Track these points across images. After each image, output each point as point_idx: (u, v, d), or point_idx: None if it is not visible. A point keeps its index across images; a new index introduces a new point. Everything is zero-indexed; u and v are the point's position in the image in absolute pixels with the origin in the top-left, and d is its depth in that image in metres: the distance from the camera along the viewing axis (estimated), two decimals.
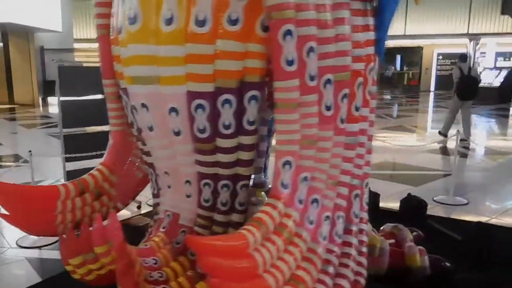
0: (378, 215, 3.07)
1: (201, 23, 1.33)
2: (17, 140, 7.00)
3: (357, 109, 1.55)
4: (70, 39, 14.93)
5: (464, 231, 2.66)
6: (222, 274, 1.10)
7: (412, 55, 23.76)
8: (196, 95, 1.39)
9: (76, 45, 16.01)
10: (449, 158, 5.71)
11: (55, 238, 2.47)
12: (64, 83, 2.91)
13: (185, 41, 1.34)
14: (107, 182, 1.86)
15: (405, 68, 25.09)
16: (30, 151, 2.72)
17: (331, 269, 1.43)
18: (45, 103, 13.71)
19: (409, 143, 6.60)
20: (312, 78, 1.37)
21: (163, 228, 1.62)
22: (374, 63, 1.61)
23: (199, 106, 1.40)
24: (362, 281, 1.54)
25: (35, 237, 2.57)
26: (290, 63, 1.31)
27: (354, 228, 1.58)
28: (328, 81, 1.42)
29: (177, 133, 1.47)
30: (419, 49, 22.62)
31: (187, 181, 1.57)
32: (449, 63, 22.74)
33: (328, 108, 1.44)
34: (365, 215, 1.67)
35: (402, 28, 18.63)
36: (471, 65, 7.67)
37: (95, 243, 1.36)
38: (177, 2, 1.33)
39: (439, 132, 6.76)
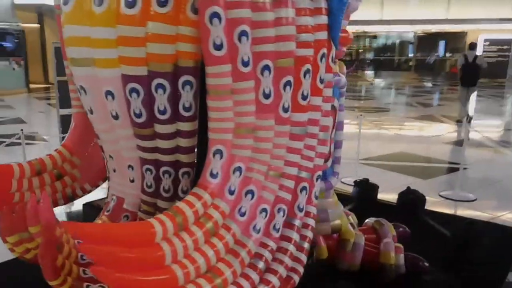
0: (374, 208, 2.98)
1: (130, 4, 1.29)
2: (40, 120, 7.24)
3: (304, 97, 1.47)
4: None
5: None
6: (121, 264, 1.07)
7: (455, 41, 22.69)
8: (130, 79, 1.36)
9: None
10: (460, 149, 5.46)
11: None
12: (61, 63, 2.97)
13: (116, 23, 1.31)
14: (68, 163, 1.87)
15: (447, 55, 24.04)
16: (22, 130, 2.80)
17: (261, 264, 1.38)
18: None
19: (428, 134, 6.34)
20: (245, 64, 1.30)
21: (107, 211, 1.62)
22: (327, 49, 1.51)
23: (133, 89, 1.37)
24: (296, 278, 1.48)
25: None
26: (218, 47, 1.25)
27: (297, 223, 1.52)
28: (266, 67, 1.35)
29: (115, 117, 1.45)
30: (463, 35, 21.55)
31: (130, 166, 1.55)
32: (496, 50, 21.53)
33: (266, 96, 1.37)
34: (313, 209, 1.59)
35: (445, 12, 17.78)
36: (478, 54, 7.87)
37: (28, 223, 1.37)
38: None
39: (457, 121, 6.59)
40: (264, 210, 1.42)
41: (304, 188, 1.55)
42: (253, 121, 1.36)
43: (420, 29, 22.88)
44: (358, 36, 24.64)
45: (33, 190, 1.79)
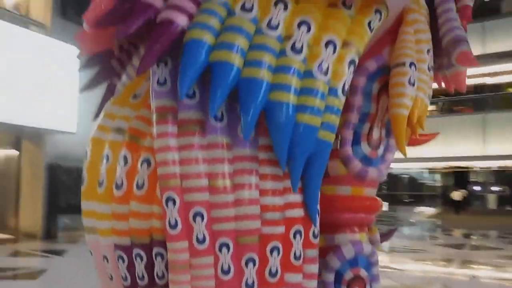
0: None
1: (119, 186, 1.57)
2: None
3: (272, 274, 1.46)
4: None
5: None
6: None
7: None
8: (118, 247, 1.58)
9: None
10: None
11: None
12: None
13: (111, 201, 1.59)
14: None
15: None
16: None
17: None
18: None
19: None
20: (200, 241, 1.40)
21: None
22: (303, 225, 1.52)
23: (120, 257, 1.58)
24: None
25: None
26: (173, 226, 1.40)
27: None
28: (224, 244, 1.42)
29: (111, 278, 1.65)
30: None
31: None
32: None
33: (225, 272, 1.42)
34: None
35: None
36: None
37: None
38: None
39: None
40: None
41: None
42: None
43: None
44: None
45: None
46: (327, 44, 1.46)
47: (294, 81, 1.39)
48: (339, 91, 1.48)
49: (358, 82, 1.84)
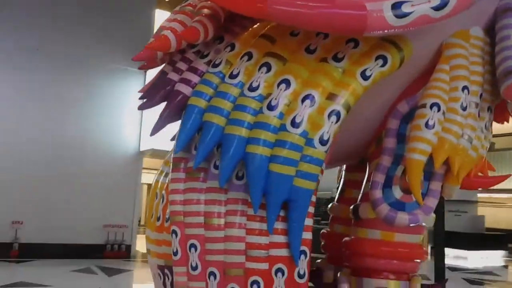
0: None
1: (157, 219, 2.01)
2: None
3: None
4: None
5: None
6: None
7: None
8: (158, 266, 2.02)
9: None
10: None
11: None
12: None
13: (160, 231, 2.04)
14: None
15: None
16: None
17: None
18: None
19: None
20: (194, 268, 1.70)
21: None
22: (286, 265, 1.63)
23: (158, 274, 2.00)
24: None
25: None
26: (175, 254, 1.75)
27: None
28: (212, 273, 1.68)
29: None
30: None
31: None
32: None
33: None
34: None
35: None
36: None
37: None
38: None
39: None
40: None
41: None
42: None
43: None
44: None
45: None
46: (304, 99, 1.60)
47: (265, 135, 1.58)
48: (315, 142, 1.59)
49: (391, 124, 1.86)
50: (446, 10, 1.45)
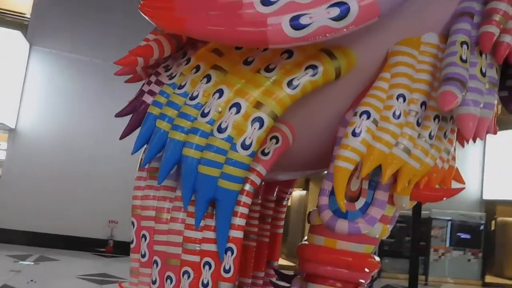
0: None
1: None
2: None
3: None
4: None
5: None
6: None
7: None
8: None
9: None
10: None
11: None
12: None
13: None
14: None
15: None
16: None
17: None
18: None
19: None
20: (143, 256, 1.93)
21: None
22: (213, 260, 1.77)
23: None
24: None
25: None
26: (131, 242, 2.00)
27: None
28: (155, 261, 1.89)
29: None
30: None
31: None
32: None
33: (153, 283, 1.87)
34: None
35: None
36: None
37: None
38: None
39: None
40: None
41: None
42: None
43: None
44: None
45: None
46: (231, 107, 1.75)
47: (197, 140, 1.76)
48: (238, 146, 1.72)
49: (339, 133, 1.91)
50: (348, 20, 1.49)
